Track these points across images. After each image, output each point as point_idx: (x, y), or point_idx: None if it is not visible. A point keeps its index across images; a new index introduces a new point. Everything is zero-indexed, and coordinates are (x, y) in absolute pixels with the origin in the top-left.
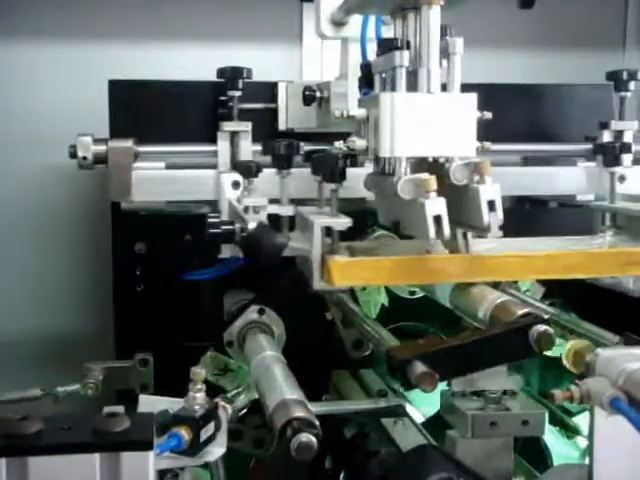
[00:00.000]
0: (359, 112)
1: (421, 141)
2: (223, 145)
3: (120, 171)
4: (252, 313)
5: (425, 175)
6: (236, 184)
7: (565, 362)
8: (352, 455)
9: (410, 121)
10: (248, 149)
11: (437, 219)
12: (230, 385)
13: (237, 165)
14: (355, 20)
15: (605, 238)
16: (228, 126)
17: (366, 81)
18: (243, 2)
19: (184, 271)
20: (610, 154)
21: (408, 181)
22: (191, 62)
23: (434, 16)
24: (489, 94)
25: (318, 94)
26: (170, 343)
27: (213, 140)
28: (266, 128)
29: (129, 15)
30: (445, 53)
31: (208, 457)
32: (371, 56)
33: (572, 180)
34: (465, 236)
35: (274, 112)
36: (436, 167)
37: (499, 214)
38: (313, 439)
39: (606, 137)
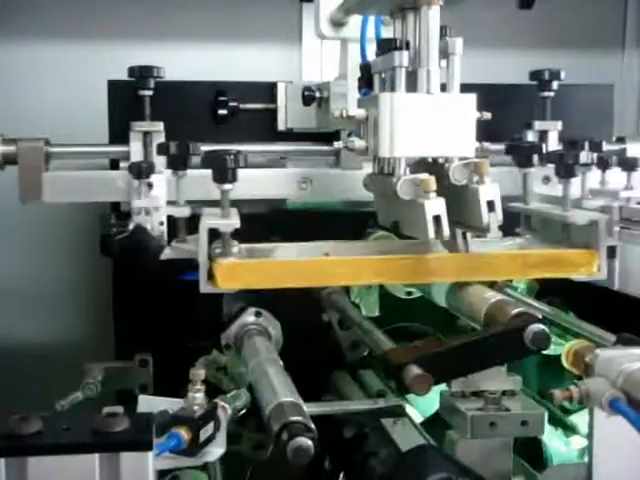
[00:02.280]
0: (358, 112)
1: (420, 141)
2: (135, 145)
3: (30, 172)
4: (249, 316)
5: (424, 175)
6: (149, 185)
7: (564, 362)
8: (351, 455)
9: (409, 121)
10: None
11: (436, 219)
12: (230, 385)
13: (129, 166)
14: (355, 20)
15: (515, 240)
16: (140, 126)
17: (365, 81)
18: (243, 3)
19: (184, 272)
20: (523, 154)
21: (407, 181)
22: (191, 62)
23: (433, 16)
24: (488, 94)
25: (317, 94)
26: (170, 344)
27: (213, 140)
28: (266, 128)
29: (129, 16)
30: (444, 53)
31: (207, 457)
32: (370, 56)
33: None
34: (464, 236)
35: (273, 112)
36: (435, 167)
37: (498, 214)
38: (309, 443)
39: (530, 137)
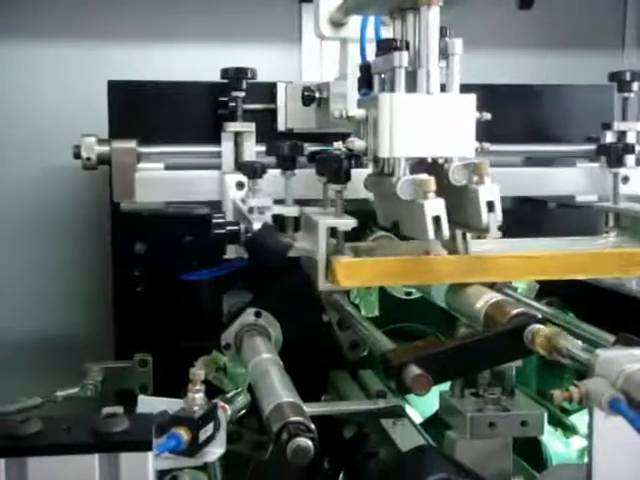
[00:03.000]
0: (358, 112)
1: (420, 142)
2: (227, 146)
3: (123, 172)
4: (249, 316)
5: (424, 176)
6: (240, 185)
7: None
8: (351, 456)
9: (409, 122)
10: (252, 150)
11: (436, 220)
12: (230, 385)
13: (242, 166)
14: (354, 21)
15: (608, 239)
16: (232, 127)
17: (365, 82)
18: (242, 3)
19: (184, 272)
20: (613, 155)
21: (407, 182)
22: (191, 63)
23: (433, 17)
24: (488, 95)
25: (317, 94)
26: (169, 344)
27: (212, 140)
28: (265, 128)
29: (129, 16)
30: (444, 54)
31: (207, 457)
32: (370, 57)
33: (571, 181)
34: (464, 237)
35: (273, 112)
36: (435, 168)
37: (498, 215)
38: (309, 443)
39: (609, 138)
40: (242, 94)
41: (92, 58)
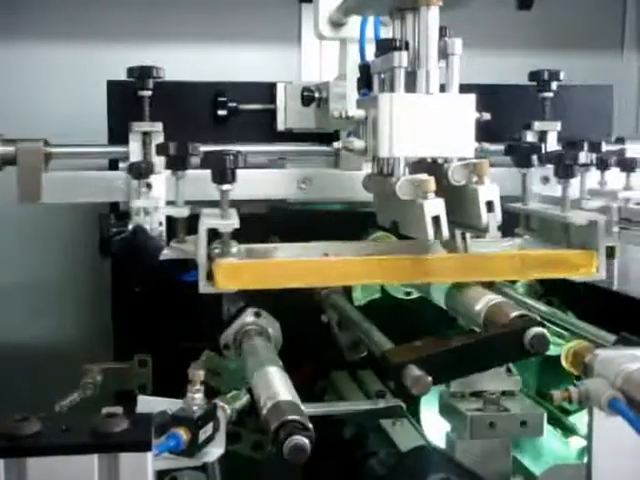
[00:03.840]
0: (358, 113)
1: (420, 142)
2: (134, 146)
3: (30, 173)
4: (248, 316)
5: (424, 176)
6: (148, 185)
7: (563, 362)
8: (351, 456)
9: (409, 122)
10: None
11: (436, 219)
12: (226, 386)
13: (129, 167)
14: (354, 21)
15: (514, 240)
16: (139, 126)
17: (365, 82)
18: (242, 3)
19: (183, 272)
20: (521, 155)
21: (407, 182)
22: (190, 63)
23: (432, 17)
24: (488, 95)
25: (317, 95)
26: (169, 344)
27: (212, 140)
28: (265, 129)
29: (128, 17)
30: (444, 54)
31: (207, 458)
32: (370, 57)
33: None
34: (464, 236)
35: (273, 113)
36: (435, 168)
37: (498, 215)
38: (306, 441)
39: (529, 138)
40: (149, 93)
41: (92, 58)
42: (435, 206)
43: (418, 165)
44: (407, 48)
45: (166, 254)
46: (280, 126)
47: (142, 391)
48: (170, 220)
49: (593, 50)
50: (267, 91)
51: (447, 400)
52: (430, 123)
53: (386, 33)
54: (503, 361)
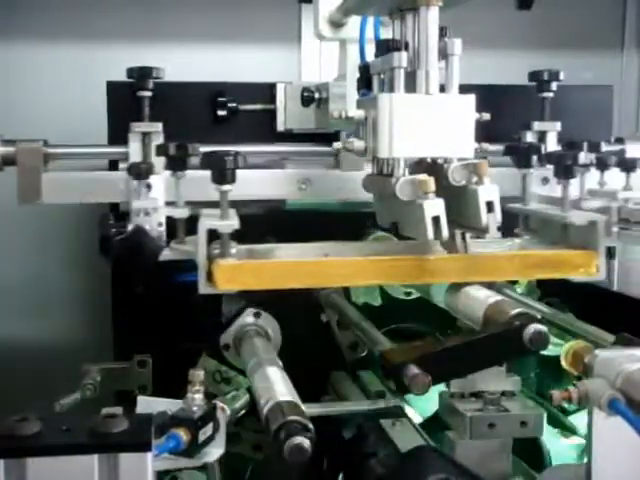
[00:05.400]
0: (357, 113)
1: (419, 142)
2: (134, 146)
3: (29, 173)
4: (248, 316)
5: (423, 176)
6: (148, 186)
7: (563, 363)
8: (350, 456)
9: (408, 122)
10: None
11: (435, 220)
12: (227, 389)
13: (129, 167)
14: (353, 21)
15: (514, 241)
16: (139, 127)
17: (364, 82)
18: (242, 4)
19: (182, 272)
20: (521, 155)
21: (406, 182)
22: (190, 63)
23: (432, 17)
24: (487, 95)
25: (317, 95)
26: (169, 345)
27: (212, 140)
28: (265, 129)
29: (128, 17)
30: (443, 54)
31: (206, 458)
32: (369, 57)
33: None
34: (463, 237)
35: (272, 113)
36: (434, 168)
37: (497, 215)
38: (306, 442)
39: (529, 138)
40: (148, 94)
41: (91, 58)
42: (435, 206)
43: (418, 165)
44: (407, 48)
45: (166, 255)
46: (280, 126)
47: (142, 391)
48: (169, 221)
49: (593, 50)
50: (267, 91)
51: (447, 400)
52: (430, 123)
53: (386, 33)
54: (503, 359)
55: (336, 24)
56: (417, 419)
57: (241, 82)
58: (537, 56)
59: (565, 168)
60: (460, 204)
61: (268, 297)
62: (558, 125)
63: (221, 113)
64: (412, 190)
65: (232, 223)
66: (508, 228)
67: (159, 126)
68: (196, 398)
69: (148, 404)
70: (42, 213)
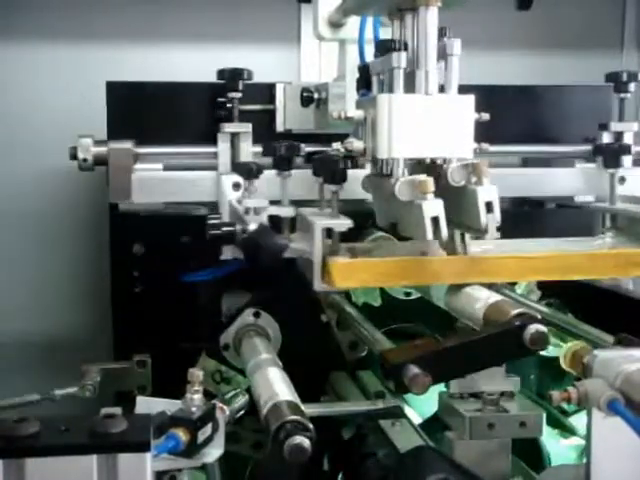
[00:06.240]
0: (357, 113)
1: (419, 142)
2: (223, 146)
3: (120, 172)
4: (248, 316)
5: (423, 176)
6: (237, 185)
7: (562, 363)
8: (350, 456)
9: (408, 122)
10: (248, 150)
11: (435, 220)
12: (226, 388)
13: (237, 166)
14: (353, 21)
15: (605, 239)
16: (228, 127)
17: (364, 82)
18: (241, 4)
19: (182, 272)
20: (610, 155)
21: (406, 182)
22: (189, 63)
23: (432, 17)
24: (487, 96)
25: (316, 95)
26: (168, 345)
27: (211, 141)
28: (264, 129)
29: (128, 17)
30: (443, 54)
31: (206, 458)
32: (369, 57)
33: (570, 181)
34: (463, 237)
35: (272, 113)
36: (434, 168)
37: (497, 215)
38: (306, 442)
39: (606, 138)
40: (238, 95)
41: (91, 58)
42: (434, 207)
43: (417, 166)
44: (406, 49)
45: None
46: (279, 127)
47: (141, 392)
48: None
49: (593, 50)
50: (266, 92)
51: (446, 401)
52: (429, 124)
53: (385, 34)
54: (504, 359)
55: (335, 24)
56: (416, 419)
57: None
58: (536, 56)
59: None
60: (459, 205)
61: (268, 297)
62: (635, 126)
63: (220, 113)
64: (411, 190)
65: (347, 222)
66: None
67: (249, 126)
68: (195, 398)
69: (147, 404)
70: (41, 213)
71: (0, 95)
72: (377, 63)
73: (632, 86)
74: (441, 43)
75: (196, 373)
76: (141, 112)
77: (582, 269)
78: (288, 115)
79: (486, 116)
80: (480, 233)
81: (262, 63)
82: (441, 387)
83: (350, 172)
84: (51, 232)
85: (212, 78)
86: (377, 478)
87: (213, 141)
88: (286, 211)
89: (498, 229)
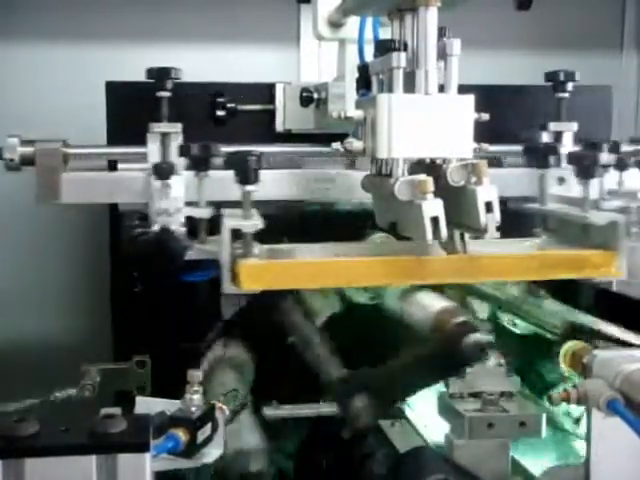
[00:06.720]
0: (356, 113)
1: (418, 142)
2: (153, 147)
3: (48, 173)
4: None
5: (422, 176)
6: (166, 186)
7: (562, 363)
8: (350, 456)
9: (407, 122)
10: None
11: (434, 220)
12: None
13: (153, 167)
14: (352, 21)
15: (534, 241)
16: (158, 127)
17: (363, 82)
18: (241, 4)
19: (181, 273)
20: (538, 156)
21: (405, 182)
22: (189, 63)
23: (431, 17)
24: (486, 95)
25: (315, 95)
26: (167, 345)
27: (211, 141)
28: (264, 129)
29: (127, 17)
30: (442, 54)
31: (205, 458)
32: (369, 57)
33: (516, 182)
34: (462, 237)
35: (272, 113)
36: (433, 168)
37: (496, 215)
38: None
39: (545, 138)
40: (167, 94)
41: (90, 59)
42: (434, 207)
43: (417, 166)
44: (406, 49)
45: (190, 255)
46: (279, 127)
47: (140, 392)
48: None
49: (592, 51)
50: (266, 92)
51: (446, 401)
52: (429, 124)
53: (385, 34)
54: (446, 373)
55: (335, 24)
56: (416, 420)
57: (240, 82)
58: (536, 56)
59: (586, 168)
60: (459, 204)
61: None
62: (574, 126)
63: (220, 113)
64: (411, 190)
65: (256, 223)
66: (525, 228)
67: (179, 126)
68: (194, 398)
69: (147, 404)
70: (42, 213)
71: (0, 95)
72: (377, 63)
73: (570, 86)
74: (441, 43)
75: (195, 374)
76: (141, 112)
77: (501, 271)
78: (288, 115)
79: (485, 116)
80: (480, 233)
81: (262, 63)
82: (441, 387)
83: (349, 172)
84: (51, 232)
85: (212, 78)
86: (376, 478)
87: (212, 141)
88: (202, 212)
89: (498, 229)
